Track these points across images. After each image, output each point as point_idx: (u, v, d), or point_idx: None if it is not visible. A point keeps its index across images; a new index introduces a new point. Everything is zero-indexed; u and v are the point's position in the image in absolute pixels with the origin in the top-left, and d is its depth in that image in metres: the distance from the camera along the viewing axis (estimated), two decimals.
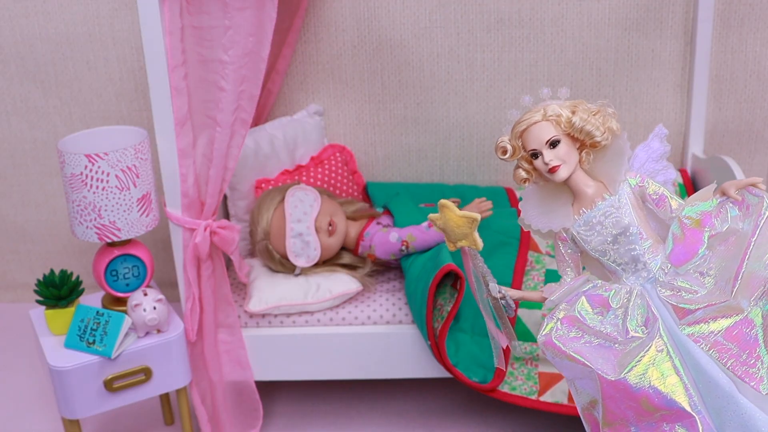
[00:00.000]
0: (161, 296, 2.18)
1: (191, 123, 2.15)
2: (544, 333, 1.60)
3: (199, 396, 2.35)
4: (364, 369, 2.38)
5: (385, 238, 2.42)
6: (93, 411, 2.16)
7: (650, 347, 1.50)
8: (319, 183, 2.68)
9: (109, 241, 2.18)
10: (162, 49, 2.05)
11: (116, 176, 2.11)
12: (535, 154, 1.58)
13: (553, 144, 1.56)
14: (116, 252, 2.23)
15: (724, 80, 2.81)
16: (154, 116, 2.12)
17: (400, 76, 2.83)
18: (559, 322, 1.59)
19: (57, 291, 2.21)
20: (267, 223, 2.42)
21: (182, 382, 2.26)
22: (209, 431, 2.36)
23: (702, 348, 1.48)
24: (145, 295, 2.17)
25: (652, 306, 1.54)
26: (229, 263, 2.53)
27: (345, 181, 2.76)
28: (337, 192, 2.72)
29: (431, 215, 1.66)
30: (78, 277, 2.27)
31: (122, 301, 2.28)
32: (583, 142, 1.58)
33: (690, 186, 2.70)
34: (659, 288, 1.55)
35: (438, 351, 2.23)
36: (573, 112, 1.57)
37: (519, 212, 2.52)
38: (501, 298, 1.64)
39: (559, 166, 1.56)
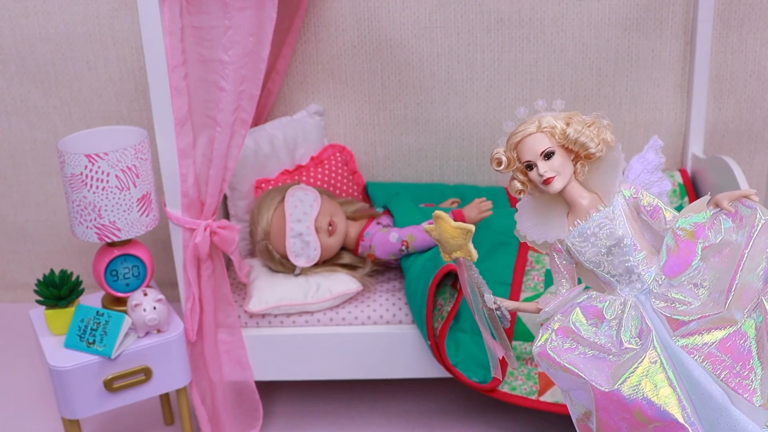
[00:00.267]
0: (161, 296, 2.18)
1: (191, 123, 2.15)
2: (539, 344, 1.61)
3: (199, 396, 2.35)
4: (364, 369, 2.38)
5: (385, 238, 2.42)
6: (93, 411, 2.16)
7: (644, 359, 1.50)
8: (319, 183, 2.68)
9: (109, 241, 2.18)
10: (162, 49, 2.05)
11: (116, 176, 2.11)
12: (530, 166, 1.58)
13: (548, 155, 1.57)
14: (116, 252, 2.23)
15: (724, 80, 2.81)
16: (154, 116, 2.12)
17: (400, 76, 2.83)
18: (553, 333, 1.60)
19: (57, 291, 2.21)
20: (267, 223, 2.42)
21: (182, 382, 2.26)
22: (209, 431, 2.36)
23: (695, 359, 1.48)
24: (145, 295, 2.17)
25: (646, 317, 1.54)
26: (229, 263, 2.53)
27: (345, 181, 2.76)
28: (337, 192, 2.72)
29: (426, 227, 1.66)
30: (78, 277, 2.27)
31: (122, 301, 2.28)
32: (578, 154, 1.59)
33: (690, 186, 2.70)
34: (653, 299, 1.56)
35: (438, 351, 2.23)
36: (567, 124, 1.57)
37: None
38: (496, 309, 1.64)
39: (553, 177, 1.56)
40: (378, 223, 2.50)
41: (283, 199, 2.44)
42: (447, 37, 2.78)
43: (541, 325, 1.65)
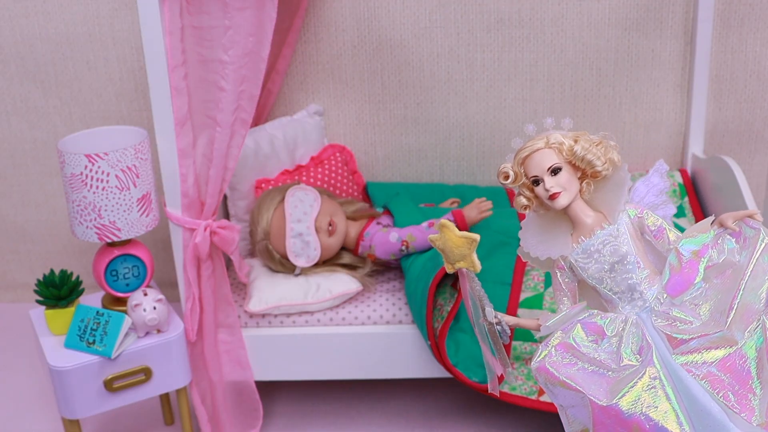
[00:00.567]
0: (161, 296, 2.18)
1: (191, 123, 2.15)
2: (538, 359, 1.61)
3: (199, 396, 2.35)
4: (364, 369, 2.38)
5: (385, 238, 2.42)
6: (93, 411, 2.16)
7: (643, 375, 1.50)
8: (319, 183, 2.68)
9: (109, 241, 2.18)
10: (162, 49, 2.05)
11: (116, 176, 2.11)
12: (537, 181, 1.60)
13: (555, 171, 1.58)
14: (116, 252, 2.23)
15: (724, 80, 2.81)
16: (154, 116, 2.12)
17: (400, 76, 2.83)
18: (553, 349, 1.60)
19: (57, 291, 2.21)
20: (267, 223, 2.42)
21: (182, 382, 2.26)
22: (209, 431, 2.36)
23: (695, 377, 1.49)
24: (145, 295, 2.17)
25: (646, 334, 1.55)
26: (229, 263, 2.53)
27: (345, 181, 2.76)
28: (337, 192, 2.72)
29: (430, 236, 1.67)
30: (78, 277, 2.27)
31: (122, 301, 2.28)
32: (585, 172, 1.60)
33: (690, 186, 2.70)
34: (654, 317, 1.56)
35: (438, 351, 2.23)
36: (575, 141, 1.59)
37: (519, 213, 2.54)
38: (496, 324, 1.64)
39: (559, 193, 1.57)
40: (378, 223, 2.50)
41: (283, 199, 2.44)
42: (447, 37, 2.78)
43: (540, 341, 1.65)
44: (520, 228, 1.71)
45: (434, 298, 2.29)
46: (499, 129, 2.88)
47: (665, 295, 1.57)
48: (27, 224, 3.11)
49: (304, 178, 2.68)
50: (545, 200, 1.59)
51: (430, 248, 2.40)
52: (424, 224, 2.42)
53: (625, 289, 1.59)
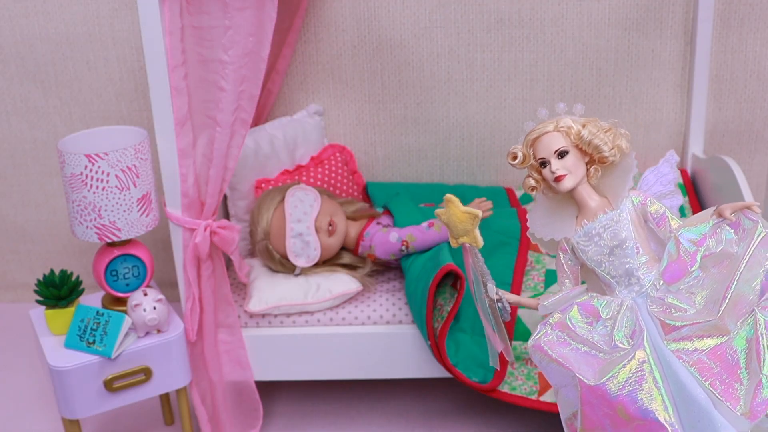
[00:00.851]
0: (161, 296, 2.18)
1: (191, 123, 2.15)
2: (534, 338, 1.64)
3: (199, 396, 2.35)
4: (364, 369, 2.38)
5: (385, 238, 2.42)
6: (93, 411, 2.16)
7: (633, 358, 1.52)
8: (319, 183, 2.68)
9: (109, 241, 2.18)
10: (162, 49, 2.05)
11: (116, 176, 2.11)
12: (544, 163, 1.62)
13: (561, 154, 1.60)
14: (116, 252, 2.23)
15: (724, 80, 2.81)
16: (154, 116, 2.12)
17: (400, 76, 2.83)
18: (549, 328, 1.63)
19: (57, 291, 2.21)
20: (267, 223, 2.42)
21: (182, 382, 2.26)
22: (209, 431, 2.36)
23: (684, 364, 1.51)
24: (145, 295, 2.17)
25: (640, 319, 1.57)
26: (229, 263, 2.53)
27: (345, 181, 2.76)
28: (337, 192, 2.72)
29: (436, 210, 1.71)
30: (78, 277, 2.27)
31: (122, 301, 2.28)
32: (592, 157, 1.62)
33: (690, 186, 2.70)
34: (649, 303, 1.58)
35: (438, 351, 2.23)
36: (584, 126, 1.61)
37: (519, 213, 2.54)
38: (498, 301, 1.66)
39: (564, 175, 1.60)
40: (378, 223, 2.50)
41: (283, 199, 2.44)
42: (447, 37, 2.78)
43: (542, 319, 1.68)
44: (525, 223, 1.74)
45: (434, 298, 2.29)
46: (499, 129, 2.88)
47: (662, 282, 1.58)
48: (27, 224, 3.11)
49: (304, 178, 2.68)
50: (551, 182, 1.62)
51: (430, 248, 2.40)
52: (424, 224, 2.42)
53: (622, 273, 1.61)
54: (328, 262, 2.48)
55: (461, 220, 1.65)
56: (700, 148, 2.78)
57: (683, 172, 2.75)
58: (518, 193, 2.78)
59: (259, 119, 2.76)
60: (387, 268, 2.54)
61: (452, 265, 2.21)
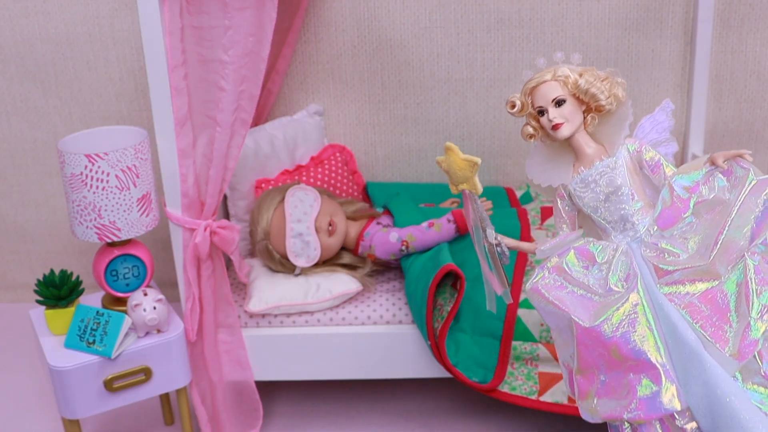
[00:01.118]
0: (161, 296, 2.18)
1: (191, 123, 2.15)
2: (532, 281, 1.69)
3: (199, 396, 2.35)
4: (364, 369, 2.38)
5: (385, 238, 2.43)
6: (93, 411, 2.16)
7: (627, 300, 1.57)
8: (319, 183, 2.68)
9: (109, 241, 2.18)
10: (162, 49, 2.05)
11: (116, 176, 2.11)
12: (542, 111, 1.66)
13: (559, 103, 1.64)
14: (116, 252, 2.23)
15: (724, 80, 2.81)
16: (154, 116, 2.12)
17: (400, 76, 2.83)
18: (547, 271, 1.68)
19: (57, 291, 2.21)
20: (267, 223, 2.42)
21: (182, 382, 2.26)
22: (209, 431, 2.36)
23: (676, 307, 1.55)
24: (145, 295, 2.17)
25: (634, 263, 1.61)
26: (229, 263, 2.53)
27: (345, 181, 2.76)
28: (337, 192, 2.72)
29: (438, 158, 1.76)
30: (78, 277, 2.27)
31: (122, 301, 2.28)
32: (589, 105, 1.66)
33: None
34: (644, 248, 1.62)
35: (438, 351, 2.23)
36: (581, 75, 1.66)
37: (519, 213, 2.54)
38: (496, 245, 1.69)
39: (562, 123, 1.63)
40: (378, 223, 2.50)
41: (283, 199, 2.44)
42: (447, 37, 2.78)
43: (540, 264, 1.74)
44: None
45: (434, 298, 2.29)
46: (499, 129, 2.88)
47: (656, 228, 1.62)
48: (27, 224, 3.11)
49: (304, 178, 2.68)
50: (548, 130, 1.65)
51: (430, 248, 2.40)
52: (424, 224, 2.42)
53: (617, 219, 1.64)
54: (328, 262, 2.48)
55: (461, 167, 1.69)
56: (700, 148, 2.79)
57: None
58: (518, 193, 2.78)
59: (259, 119, 2.76)
60: (387, 268, 2.55)
61: (452, 265, 2.21)
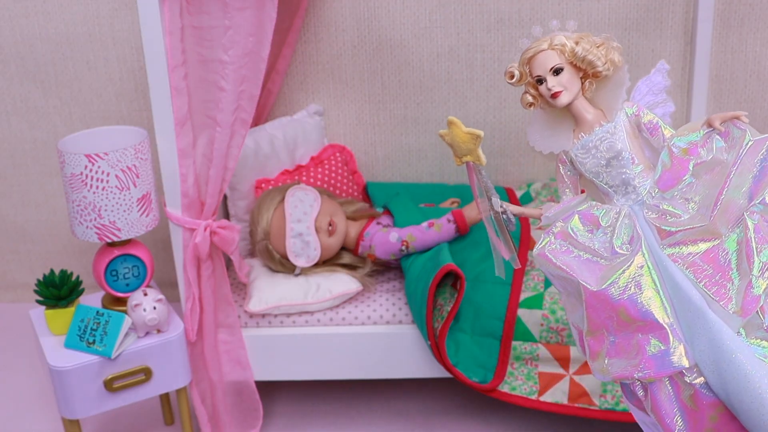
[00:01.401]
0: (161, 296, 2.18)
1: (191, 123, 2.15)
2: (539, 246, 1.70)
3: (199, 396, 2.35)
4: (364, 369, 2.38)
5: (385, 238, 2.43)
6: (93, 411, 2.16)
7: (632, 263, 1.60)
8: (319, 183, 2.68)
9: (109, 241, 2.18)
10: (162, 49, 2.05)
11: (116, 176, 2.11)
12: (540, 80, 1.68)
13: (557, 71, 1.66)
14: (116, 252, 2.23)
15: (724, 80, 2.81)
16: (154, 116, 2.12)
17: (400, 76, 2.83)
18: (553, 236, 1.70)
19: (57, 291, 2.21)
20: (267, 223, 2.42)
21: (182, 382, 2.26)
22: (209, 431, 2.36)
23: (680, 267, 1.59)
24: (145, 295, 2.17)
25: (637, 226, 1.64)
26: (229, 263, 2.53)
27: (345, 181, 2.76)
28: (337, 192, 2.72)
29: (441, 131, 1.78)
30: (78, 277, 2.27)
31: (122, 301, 2.28)
32: (586, 72, 1.68)
33: None
34: (646, 210, 1.65)
35: (438, 351, 2.23)
36: (577, 43, 1.67)
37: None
38: (502, 213, 1.72)
39: (560, 92, 1.65)
40: (378, 223, 2.50)
41: (283, 199, 2.44)
42: (447, 37, 2.78)
43: (544, 229, 1.75)
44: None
45: (434, 298, 2.29)
46: (499, 129, 2.88)
47: (657, 190, 1.65)
48: (27, 224, 3.11)
49: (304, 178, 2.68)
50: (548, 98, 1.67)
51: (430, 248, 2.40)
52: (424, 224, 2.42)
53: (619, 183, 1.67)
54: (328, 262, 2.48)
55: (464, 140, 1.71)
56: None
57: None
58: (518, 193, 2.78)
59: (259, 119, 2.76)
60: (387, 268, 2.55)
61: (452, 265, 2.21)
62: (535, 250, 1.70)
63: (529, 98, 1.71)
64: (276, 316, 2.38)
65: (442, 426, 2.48)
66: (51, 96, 2.93)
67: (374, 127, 2.90)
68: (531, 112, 1.76)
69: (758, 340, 1.54)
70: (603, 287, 1.59)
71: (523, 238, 2.45)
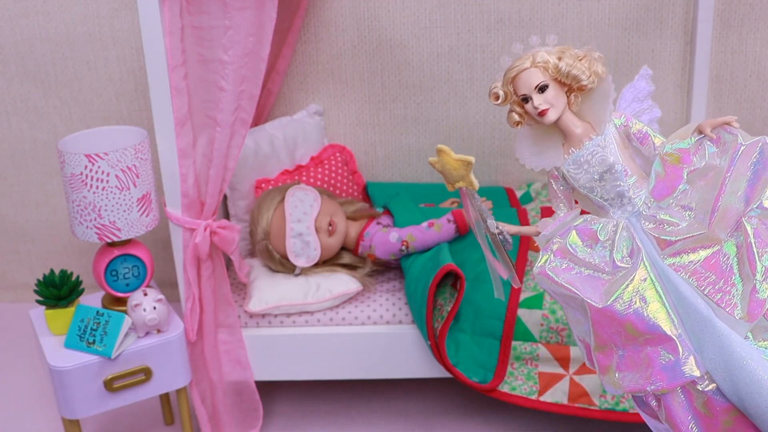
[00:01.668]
0: (161, 296, 2.18)
1: (191, 123, 2.15)
2: (539, 265, 1.70)
3: (199, 396, 2.35)
4: (364, 369, 2.38)
5: (385, 238, 2.43)
6: (93, 411, 2.16)
7: (634, 276, 1.59)
8: (319, 183, 2.68)
9: (109, 241, 2.18)
10: (162, 49, 2.05)
11: (116, 176, 2.11)
12: (526, 99, 1.66)
13: (542, 89, 1.65)
14: (116, 252, 2.23)
15: (724, 80, 2.81)
16: (154, 116, 2.12)
17: (400, 76, 2.83)
18: (552, 254, 1.69)
19: (57, 291, 2.21)
20: (267, 223, 2.42)
21: (182, 382, 2.26)
22: (209, 431, 2.36)
23: (682, 276, 1.58)
24: (145, 295, 2.17)
25: (636, 238, 1.64)
26: (229, 263, 2.53)
27: (345, 181, 2.76)
28: (337, 192, 2.72)
29: (430, 159, 1.78)
30: (78, 277, 2.27)
31: (122, 301, 2.28)
32: (571, 86, 1.67)
33: None
34: (643, 221, 1.64)
35: (438, 351, 2.23)
36: (560, 59, 1.66)
37: (519, 213, 2.54)
38: (498, 234, 1.71)
39: (547, 109, 1.64)
40: (378, 223, 2.50)
41: (283, 199, 2.44)
42: (447, 37, 2.78)
43: (542, 247, 1.75)
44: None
45: (434, 298, 2.29)
46: (499, 129, 2.88)
47: (652, 200, 1.64)
48: (27, 224, 3.11)
49: (304, 178, 2.68)
50: (535, 116, 1.66)
51: (430, 248, 2.40)
52: (424, 224, 2.42)
53: (614, 195, 1.66)
54: (328, 262, 2.48)
55: (455, 167, 1.71)
56: None
57: None
58: (518, 193, 2.78)
59: (259, 119, 2.76)
60: (387, 268, 2.55)
61: (452, 265, 2.21)
62: (535, 269, 1.69)
63: (516, 117, 1.70)
64: (276, 316, 2.38)
65: (442, 426, 2.48)
66: (51, 96, 2.93)
67: (374, 127, 2.90)
68: (518, 130, 1.75)
69: (766, 342, 1.54)
70: (608, 303, 1.58)
71: (522, 238, 2.45)
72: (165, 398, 2.52)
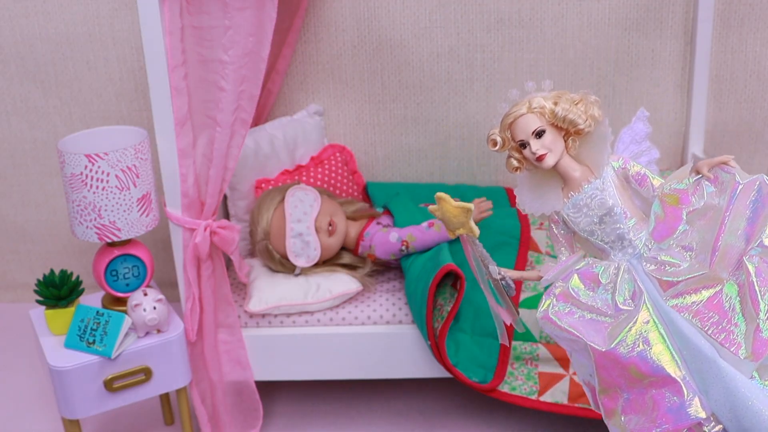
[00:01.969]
0: (161, 296, 2.18)
1: (191, 123, 2.15)
2: (542, 309, 1.70)
3: (199, 396, 2.35)
4: (364, 369, 2.38)
5: (385, 238, 2.43)
6: (93, 411, 2.16)
7: (637, 319, 1.59)
8: (319, 183, 2.68)
9: (109, 241, 2.18)
10: (162, 49, 2.05)
11: (116, 176, 2.11)
12: (524, 144, 1.68)
13: (539, 134, 1.65)
14: (116, 252, 2.23)
15: (724, 80, 2.81)
16: (154, 116, 2.12)
17: (400, 76, 2.83)
18: (555, 298, 1.69)
19: (57, 291, 2.21)
20: (267, 223, 2.42)
21: (182, 382, 2.26)
22: (209, 431, 2.36)
23: (685, 317, 1.58)
24: (145, 295, 2.17)
25: (638, 280, 1.64)
26: (229, 263, 2.53)
27: (345, 181, 2.76)
28: (337, 192, 2.72)
29: (430, 207, 1.78)
30: (78, 277, 2.27)
31: (122, 301, 2.28)
32: (568, 130, 1.67)
33: None
34: (644, 263, 1.64)
35: (438, 351, 2.23)
36: (556, 104, 1.67)
37: (519, 213, 2.54)
38: (501, 279, 1.71)
39: (545, 154, 1.65)
40: (378, 223, 2.50)
41: (283, 199, 2.44)
42: (447, 37, 2.78)
43: (544, 291, 1.75)
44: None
45: (434, 298, 2.29)
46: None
47: (653, 242, 1.64)
48: (27, 224, 3.11)
49: (304, 178, 2.68)
50: (533, 162, 1.67)
51: (430, 248, 2.40)
52: (424, 224, 2.42)
53: (615, 238, 1.66)
54: (328, 262, 2.48)
55: (455, 215, 1.72)
56: (700, 148, 2.78)
57: None
58: (517, 195, 2.78)
59: (259, 119, 2.76)
60: (387, 268, 2.55)
61: (452, 265, 2.21)
62: (538, 313, 1.70)
63: (515, 162, 1.71)
64: (276, 316, 2.38)
65: (442, 426, 2.48)
66: (51, 96, 2.93)
67: (374, 127, 2.90)
68: (517, 176, 1.76)
69: None
70: (611, 347, 1.58)
71: (523, 238, 2.45)
72: (165, 398, 2.52)
